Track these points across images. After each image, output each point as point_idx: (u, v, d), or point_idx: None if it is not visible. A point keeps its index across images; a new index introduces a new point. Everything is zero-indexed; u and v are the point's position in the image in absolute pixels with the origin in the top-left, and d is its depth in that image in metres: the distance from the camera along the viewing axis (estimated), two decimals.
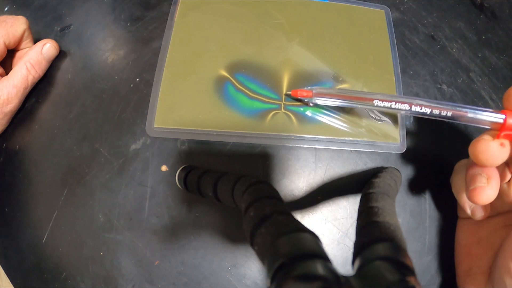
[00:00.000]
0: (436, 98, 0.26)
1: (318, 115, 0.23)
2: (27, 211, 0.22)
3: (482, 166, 0.16)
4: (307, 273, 0.10)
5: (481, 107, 0.17)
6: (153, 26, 0.26)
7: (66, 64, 0.25)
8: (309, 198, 0.22)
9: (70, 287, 0.20)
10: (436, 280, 0.22)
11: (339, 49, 0.25)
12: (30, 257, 0.21)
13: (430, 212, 0.23)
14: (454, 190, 0.21)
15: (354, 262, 0.14)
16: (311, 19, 0.26)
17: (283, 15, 0.26)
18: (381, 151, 0.23)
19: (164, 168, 0.22)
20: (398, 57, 0.25)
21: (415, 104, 0.18)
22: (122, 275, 0.21)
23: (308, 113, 0.23)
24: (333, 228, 0.22)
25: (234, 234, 0.21)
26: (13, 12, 0.27)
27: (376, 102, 0.19)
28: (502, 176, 0.18)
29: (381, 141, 0.23)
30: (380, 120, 0.23)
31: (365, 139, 0.22)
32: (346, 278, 0.11)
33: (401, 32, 0.28)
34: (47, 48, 0.24)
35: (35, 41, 0.25)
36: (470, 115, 0.17)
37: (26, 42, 0.24)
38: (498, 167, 0.17)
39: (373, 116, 0.23)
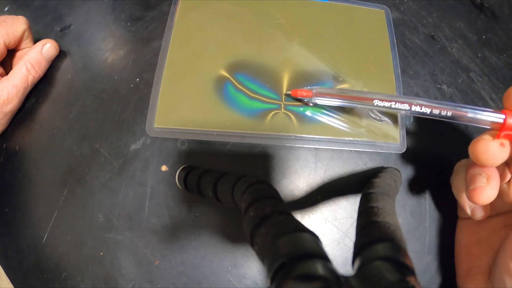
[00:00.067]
0: (436, 98, 0.26)
1: (318, 115, 0.23)
2: (27, 211, 0.22)
3: (482, 166, 0.16)
4: (307, 273, 0.10)
5: (481, 107, 0.17)
6: (153, 26, 0.26)
7: (66, 64, 0.25)
8: (309, 198, 0.22)
9: (70, 287, 0.20)
10: (436, 280, 0.22)
11: (339, 49, 0.25)
12: (30, 257, 0.21)
13: (430, 212, 0.23)
14: (454, 190, 0.21)
15: (354, 262, 0.14)
16: (311, 19, 0.26)
17: (283, 15, 0.26)
18: (381, 151, 0.23)
19: (164, 168, 0.22)
20: (398, 57, 0.25)
21: (415, 104, 0.18)
22: (122, 275, 0.21)
23: (308, 113, 0.23)
24: (333, 228, 0.22)
25: (234, 234, 0.21)
26: (13, 12, 0.27)
27: (376, 102, 0.19)
28: (502, 176, 0.18)
29: (381, 141, 0.23)
30: (380, 120, 0.23)
31: (365, 139, 0.22)
32: (346, 278, 0.11)
33: (401, 32, 0.28)
34: (47, 48, 0.24)
35: (35, 41, 0.25)
36: (470, 115, 0.17)
37: (26, 42, 0.24)
38: (498, 167, 0.17)
39: (373, 116, 0.23)
